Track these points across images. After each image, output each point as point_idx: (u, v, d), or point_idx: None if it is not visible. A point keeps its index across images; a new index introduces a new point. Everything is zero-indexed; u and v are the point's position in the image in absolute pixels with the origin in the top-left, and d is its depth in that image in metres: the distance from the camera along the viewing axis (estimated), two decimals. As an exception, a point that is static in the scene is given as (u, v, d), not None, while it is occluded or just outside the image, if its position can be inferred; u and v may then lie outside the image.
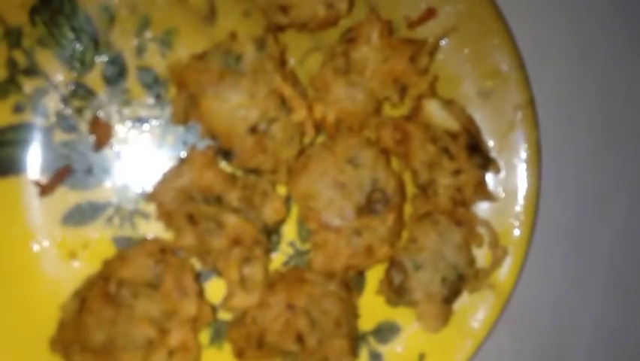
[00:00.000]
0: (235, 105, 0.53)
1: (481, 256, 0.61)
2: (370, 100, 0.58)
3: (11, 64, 0.56)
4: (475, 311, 0.61)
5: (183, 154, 0.59)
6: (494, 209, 0.61)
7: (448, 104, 0.59)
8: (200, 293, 0.57)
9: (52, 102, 0.58)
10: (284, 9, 0.55)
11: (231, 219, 0.54)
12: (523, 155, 0.61)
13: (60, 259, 0.58)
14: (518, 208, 0.61)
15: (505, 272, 0.61)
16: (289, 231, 0.61)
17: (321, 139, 0.60)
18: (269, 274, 0.58)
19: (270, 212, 0.56)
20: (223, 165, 0.58)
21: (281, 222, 0.59)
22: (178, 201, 0.55)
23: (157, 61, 0.59)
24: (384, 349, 0.61)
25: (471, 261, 0.59)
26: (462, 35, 0.60)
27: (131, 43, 0.58)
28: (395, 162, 0.61)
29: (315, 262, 0.57)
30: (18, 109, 0.57)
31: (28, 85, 0.57)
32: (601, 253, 0.68)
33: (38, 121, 0.57)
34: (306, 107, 0.55)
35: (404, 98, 0.59)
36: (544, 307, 0.67)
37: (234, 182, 0.57)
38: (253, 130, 0.54)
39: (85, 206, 0.58)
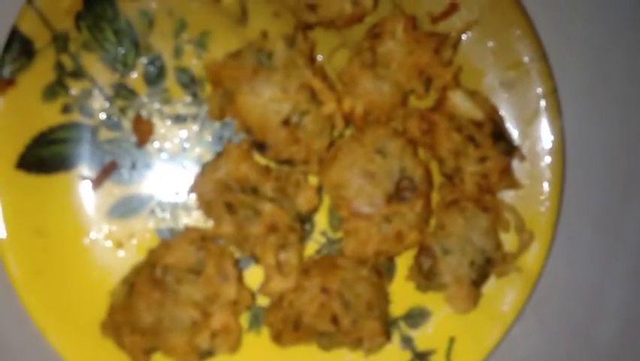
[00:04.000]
0: (268, 99, 0.55)
1: (508, 240, 0.61)
2: (397, 92, 0.59)
3: (59, 67, 0.59)
4: (504, 295, 0.61)
5: (220, 148, 0.61)
6: (520, 195, 0.61)
7: (473, 94, 0.60)
8: (240, 279, 0.58)
9: (97, 103, 0.60)
10: (312, 7, 0.57)
11: (267, 207, 0.56)
12: (548, 142, 0.61)
13: (108, 249, 0.60)
14: (544, 194, 0.61)
15: (532, 256, 0.61)
16: (321, 220, 0.62)
17: (350, 131, 0.61)
18: (303, 260, 0.59)
19: (303, 201, 0.58)
20: (257, 157, 0.59)
21: (313, 210, 0.60)
22: (217, 191, 0.57)
23: (193, 61, 0.61)
24: (415, 333, 0.62)
25: (498, 245, 0.60)
26: (484, 28, 0.61)
27: (169, 46, 0.60)
28: (422, 152, 0.61)
29: (347, 248, 0.58)
30: (66, 109, 0.60)
31: (75, 87, 0.60)
32: (628, 237, 0.67)
33: (85, 120, 0.60)
34: (336, 100, 0.57)
35: (429, 89, 0.60)
36: (573, 292, 0.67)
37: (268, 173, 0.58)
38: (286, 123, 0.55)
39: (129, 199, 0.61)
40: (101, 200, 0.60)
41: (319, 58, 0.62)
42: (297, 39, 0.57)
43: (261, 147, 0.57)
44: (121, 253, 0.61)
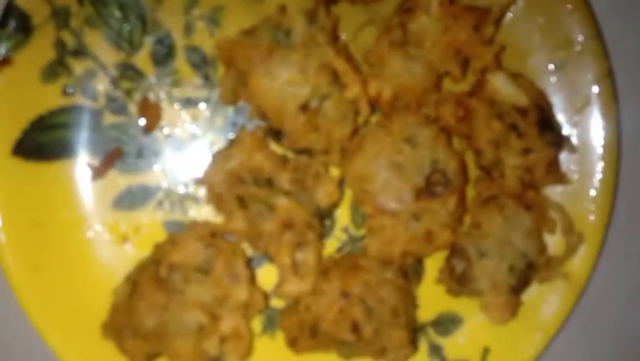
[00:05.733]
0: (285, 82, 0.54)
1: (553, 243, 0.60)
2: (429, 74, 0.57)
3: (59, 45, 0.58)
4: (546, 303, 0.60)
5: (233, 135, 0.60)
6: (568, 192, 0.60)
7: (516, 77, 0.58)
8: (252, 279, 0.58)
9: (101, 84, 0.59)
10: None
11: (282, 202, 0.55)
12: (601, 133, 0.60)
13: (112, 243, 0.60)
14: (594, 191, 0.60)
15: (579, 261, 0.60)
16: (343, 216, 0.61)
17: (376, 117, 0.60)
18: (322, 260, 0.59)
19: (322, 195, 0.57)
20: (273, 146, 0.58)
21: (334, 205, 0.59)
22: (228, 183, 0.56)
23: (205, 40, 0.60)
24: (444, 341, 0.61)
25: (541, 248, 0.59)
26: (531, 2, 0.60)
27: (179, 22, 0.59)
28: (456, 142, 0.60)
29: (370, 248, 0.57)
30: (67, 91, 0.59)
31: (77, 67, 0.59)
32: None
33: (88, 103, 0.59)
34: (361, 83, 0.56)
35: (467, 71, 0.59)
36: (622, 302, 0.65)
37: (285, 164, 0.57)
38: (304, 108, 0.54)
39: (135, 190, 0.60)
40: (104, 190, 0.60)
41: (343, 36, 0.60)
42: (319, 14, 0.56)
43: (276, 134, 0.56)
44: (125, 248, 0.60)
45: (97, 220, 0.59)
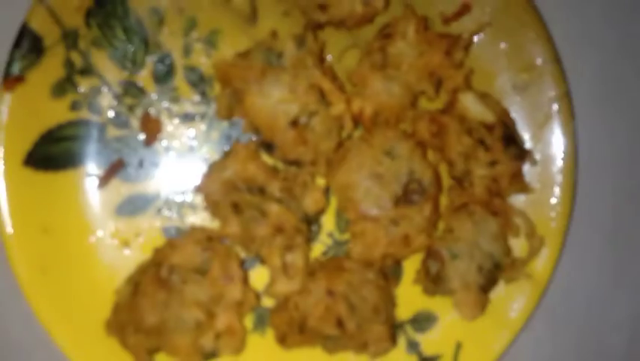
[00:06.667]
0: (277, 100, 0.55)
1: (518, 246, 0.61)
2: (407, 94, 0.59)
3: (68, 64, 0.59)
4: (512, 301, 0.61)
5: (228, 148, 0.61)
6: (530, 200, 0.62)
7: (484, 97, 0.59)
8: (245, 280, 0.58)
9: (105, 100, 0.61)
10: (323, 7, 0.57)
11: (274, 208, 0.56)
12: (559, 146, 0.61)
13: (114, 247, 0.61)
14: (554, 199, 0.61)
15: (542, 262, 0.61)
16: (328, 221, 0.62)
17: (358, 132, 0.61)
18: (309, 262, 0.59)
19: (310, 202, 0.58)
20: (265, 157, 0.60)
21: (321, 212, 0.60)
22: (223, 191, 0.57)
23: (202, 60, 0.61)
24: (421, 338, 0.62)
25: (507, 250, 0.60)
26: (497, 29, 0.61)
27: (178, 44, 0.61)
28: (431, 154, 0.61)
29: (353, 250, 0.58)
30: (74, 107, 0.60)
31: (84, 84, 0.60)
32: (638, 247, 0.67)
33: (93, 118, 0.61)
34: (345, 101, 0.57)
35: (439, 91, 0.60)
36: (582, 301, 0.66)
37: (276, 173, 0.58)
38: (294, 123, 0.56)
39: (136, 198, 0.61)
40: (107, 198, 0.61)
41: (329, 58, 0.62)
42: (307, 39, 0.57)
43: (268, 147, 0.58)
44: (127, 252, 0.61)
45: (100, 226, 0.60)
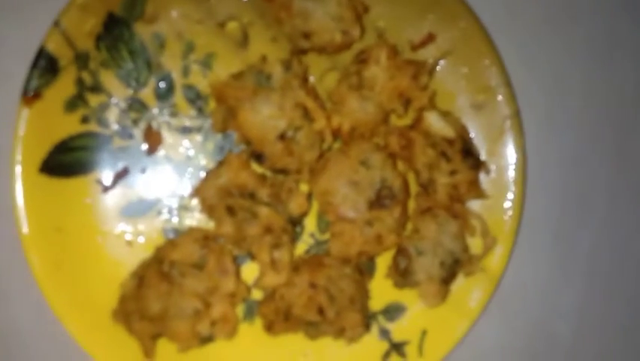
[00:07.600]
0: (266, 116, 0.57)
1: (475, 244, 0.64)
2: (379, 111, 0.60)
3: (80, 83, 0.61)
4: (470, 293, 0.63)
5: (222, 158, 0.62)
6: (486, 205, 0.64)
7: (446, 115, 0.62)
8: (238, 274, 0.60)
9: (112, 114, 0.63)
10: (307, 35, 0.59)
11: (264, 211, 0.58)
12: (511, 158, 0.63)
13: (120, 245, 0.62)
14: (507, 204, 0.64)
15: (496, 258, 0.63)
16: (310, 223, 0.64)
17: (337, 145, 0.63)
18: (294, 258, 0.61)
19: (294, 206, 0.60)
20: (255, 166, 0.61)
21: (304, 214, 0.62)
22: (218, 196, 0.59)
23: (199, 80, 0.63)
24: (391, 326, 0.64)
25: (465, 248, 0.62)
26: (457, 57, 0.63)
27: (178, 65, 0.63)
28: (400, 164, 0.63)
29: (333, 248, 0.60)
30: (85, 120, 0.62)
31: (93, 100, 0.62)
32: (582, 243, 0.69)
33: (101, 130, 0.62)
34: (326, 118, 0.59)
35: (408, 110, 0.62)
36: (532, 292, 0.68)
37: (265, 181, 0.60)
38: (282, 137, 0.57)
39: (139, 201, 0.63)
40: (113, 201, 0.63)
41: (312, 79, 0.63)
42: (293, 63, 0.59)
43: (258, 157, 0.59)
44: (130, 250, 0.63)
45: (108, 226, 0.62)
